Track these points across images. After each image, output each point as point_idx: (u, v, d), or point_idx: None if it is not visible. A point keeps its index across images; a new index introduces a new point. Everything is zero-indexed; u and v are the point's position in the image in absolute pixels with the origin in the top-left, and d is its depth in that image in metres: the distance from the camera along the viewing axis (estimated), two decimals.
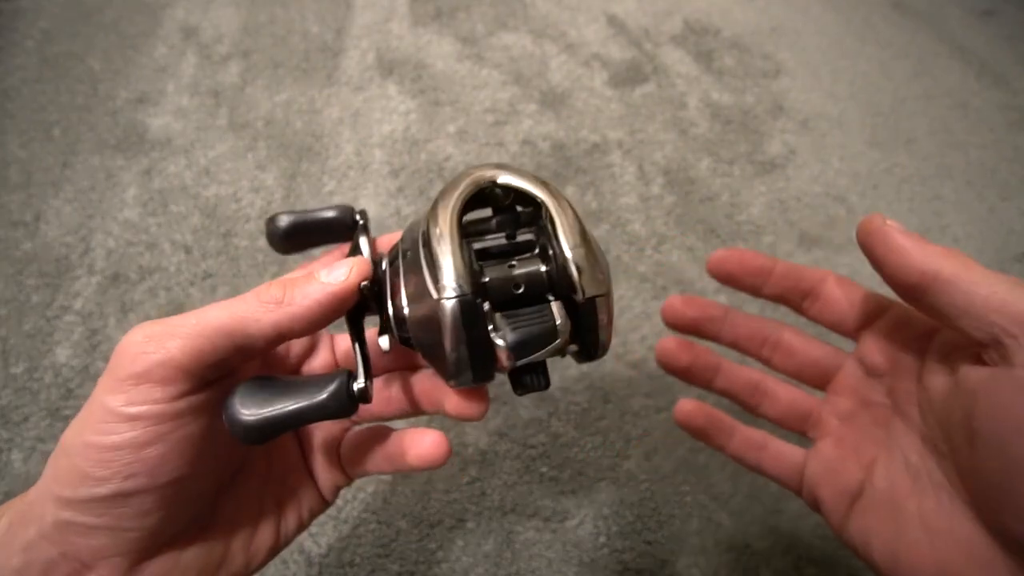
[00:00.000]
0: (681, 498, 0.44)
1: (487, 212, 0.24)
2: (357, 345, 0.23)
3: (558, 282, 0.22)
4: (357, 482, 0.43)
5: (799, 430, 0.29)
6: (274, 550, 0.25)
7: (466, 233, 0.23)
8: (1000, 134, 0.72)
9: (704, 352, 0.29)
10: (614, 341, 0.52)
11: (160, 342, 0.19)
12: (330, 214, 0.26)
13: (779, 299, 0.29)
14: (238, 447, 0.23)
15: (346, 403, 0.21)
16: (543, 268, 0.22)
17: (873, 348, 0.26)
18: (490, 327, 0.20)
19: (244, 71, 0.72)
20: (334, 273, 0.21)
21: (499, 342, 0.20)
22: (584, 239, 0.22)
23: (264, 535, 0.24)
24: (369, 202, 0.60)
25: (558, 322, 0.21)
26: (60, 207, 0.58)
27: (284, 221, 0.25)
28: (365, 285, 0.22)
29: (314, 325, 0.21)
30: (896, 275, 0.22)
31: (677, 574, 0.41)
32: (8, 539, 0.20)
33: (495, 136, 0.66)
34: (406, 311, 0.22)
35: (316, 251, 0.29)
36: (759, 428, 0.30)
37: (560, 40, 0.79)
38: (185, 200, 0.59)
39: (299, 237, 0.26)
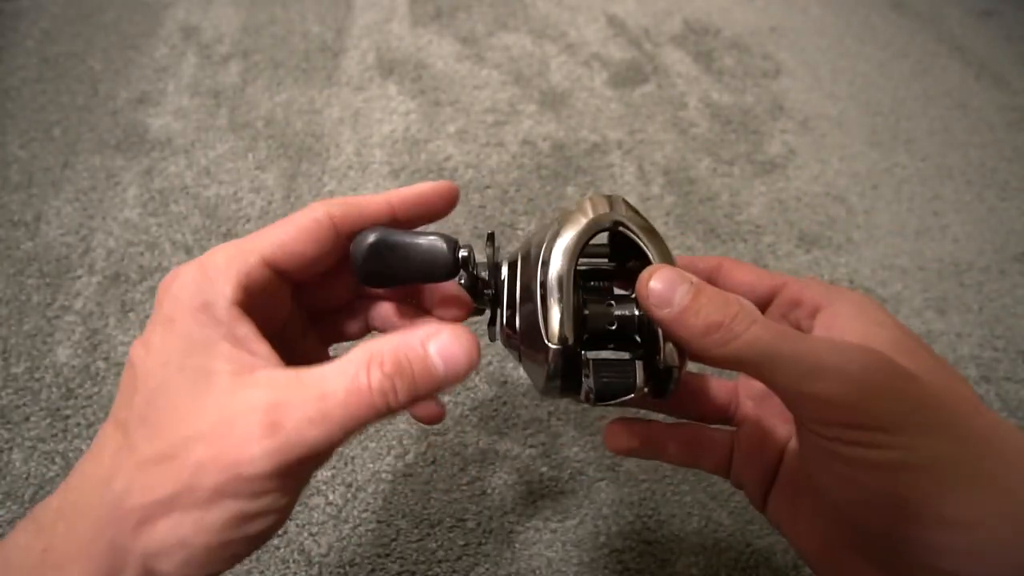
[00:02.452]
0: (681, 498, 0.44)
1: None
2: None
3: (646, 335, 0.24)
4: (357, 482, 0.43)
5: (722, 420, 0.29)
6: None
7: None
8: (1000, 134, 0.72)
9: None
10: None
11: (299, 431, 0.18)
12: (439, 247, 0.23)
13: None
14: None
15: (452, 267, 0.23)
16: (637, 313, 0.24)
17: None
18: (583, 370, 0.24)
19: (244, 71, 0.72)
20: (452, 366, 0.19)
21: (586, 385, 0.24)
22: None
23: None
24: None
25: (637, 382, 0.24)
26: (60, 207, 0.58)
27: (371, 244, 0.23)
28: (481, 277, 0.26)
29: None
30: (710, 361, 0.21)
31: (677, 574, 0.41)
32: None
33: (495, 136, 0.67)
34: (518, 324, 0.25)
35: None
36: (686, 423, 0.30)
37: (560, 40, 0.79)
38: (185, 200, 0.59)
39: (389, 276, 0.24)
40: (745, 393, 0.28)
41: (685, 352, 0.23)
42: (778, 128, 0.71)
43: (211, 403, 0.19)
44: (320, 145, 0.65)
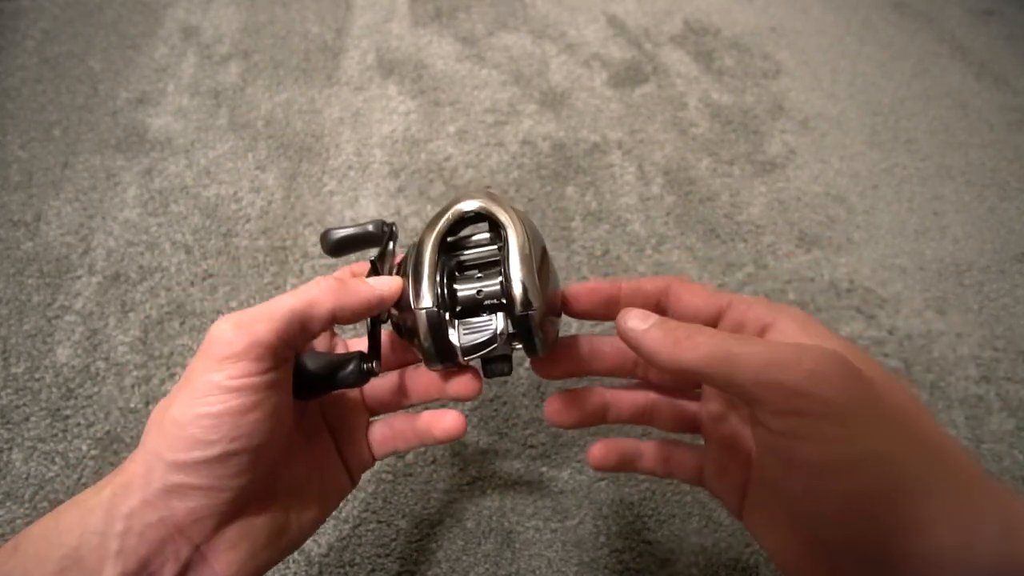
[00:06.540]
0: (681, 498, 0.44)
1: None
2: (371, 337, 0.30)
3: (507, 295, 0.28)
4: (358, 482, 0.43)
5: (692, 432, 0.31)
6: (318, 524, 0.29)
7: (456, 247, 0.30)
8: (1000, 134, 0.72)
9: (588, 400, 0.32)
10: None
11: (249, 327, 0.23)
12: (368, 229, 0.32)
13: None
14: (293, 422, 0.28)
15: (359, 376, 0.28)
16: (499, 279, 0.28)
17: None
18: (451, 331, 0.28)
19: (244, 71, 0.72)
20: (380, 282, 0.28)
21: (455, 343, 0.28)
22: (527, 265, 0.27)
23: (312, 509, 0.29)
24: (369, 202, 0.60)
25: (498, 332, 0.28)
26: (61, 207, 0.58)
27: (335, 236, 0.33)
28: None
29: (358, 315, 0.27)
30: (666, 371, 0.24)
31: (677, 574, 0.41)
32: (112, 507, 0.23)
33: (495, 136, 0.66)
34: (394, 312, 0.29)
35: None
36: (657, 438, 0.32)
37: (560, 40, 0.79)
38: (185, 200, 0.59)
39: (345, 247, 0.33)
40: (708, 413, 0.30)
41: (539, 299, 0.27)
42: (778, 128, 0.71)
43: None
44: (320, 145, 0.65)
